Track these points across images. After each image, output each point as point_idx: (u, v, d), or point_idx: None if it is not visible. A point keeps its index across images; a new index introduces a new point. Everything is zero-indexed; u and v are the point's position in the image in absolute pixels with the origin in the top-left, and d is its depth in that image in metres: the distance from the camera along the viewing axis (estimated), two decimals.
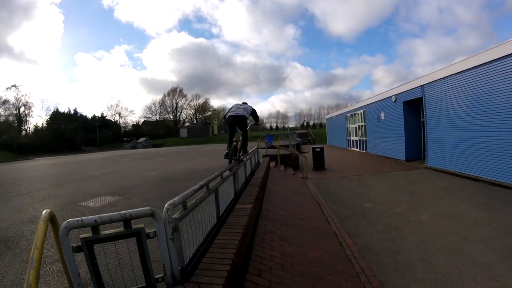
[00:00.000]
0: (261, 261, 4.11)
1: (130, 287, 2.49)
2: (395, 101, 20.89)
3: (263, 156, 14.82)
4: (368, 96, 27.09)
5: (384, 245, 6.29)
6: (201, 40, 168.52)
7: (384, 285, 4.76)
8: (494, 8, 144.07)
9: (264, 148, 18.05)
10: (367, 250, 5.99)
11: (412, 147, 19.90)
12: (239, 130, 8.57)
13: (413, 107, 19.62)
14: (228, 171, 5.77)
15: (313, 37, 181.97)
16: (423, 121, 17.79)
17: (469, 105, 13.27)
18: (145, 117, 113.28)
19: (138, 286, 2.51)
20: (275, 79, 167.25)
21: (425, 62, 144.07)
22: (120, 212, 2.32)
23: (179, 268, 2.72)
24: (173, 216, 2.74)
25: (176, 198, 2.86)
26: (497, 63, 11.38)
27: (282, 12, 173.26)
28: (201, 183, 3.75)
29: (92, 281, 2.34)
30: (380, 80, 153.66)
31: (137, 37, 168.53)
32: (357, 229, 7.21)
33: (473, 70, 12.74)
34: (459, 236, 6.76)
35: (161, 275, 2.59)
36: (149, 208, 2.43)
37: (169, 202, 2.68)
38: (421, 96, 17.39)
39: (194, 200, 3.46)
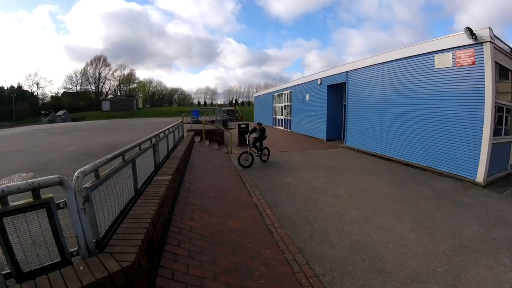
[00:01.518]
0: (180, 232, 4.10)
1: (45, 263, 2.35)
2: (320, 84, 21.63)
3: (188, 130, 14.59)
4: (298, 78, 27.69)
5: (302, 215, 6.55)
6: (133, 5, 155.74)
7: (302, 251, 4.97)
8: (431, 11, 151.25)
9: (190, 123, 17.81)
10: (286, 220, 6.20)
11: (333, 128, 20.95)
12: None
13: (336, 91, 20.56)
14: (149, 141, 5.66)
15: (252, 14, 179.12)
16: (345, 105, 18.67)
17: (387, 93, 14.42)
18: (65, 88, 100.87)
19: (53, 262, 2.37)
20: (208, 54, 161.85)
21: (357, 52, 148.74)
22: (28, 180, 2.17)
23: (94, 240, 2.60)
24: (84, 186, 2.60)
25: (87, 166, 2.71)
26: (416, 58, 12.57)
27: None
28: (116, 152, 3.60)
29: (6, 259, 2.17)
30: (311, 64, 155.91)
31: None
32: (277, 201, 7.42)
33: (394, 63, 13.87)
34: (372, 208, 7.24)
35: (76, 249, 2.48)
36: (57, 176, 2.29)
37: (79, 170, 2.53)
38: (345, 81, 18.20)
39: (108, 170, 3.34)
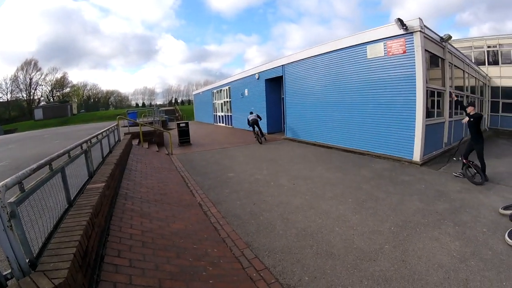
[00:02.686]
0: (120, 241, 3.92)
1: None
2: (258, 79, 21.96)
3: (125, 134, 14.10)
4: (236, 74, 27.74)
5: (246, 209, 6.55)
6: (66, 1, 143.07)
7: (250, 245, 4.95)
8: (369, 5, 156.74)
9: (126, 126, 17.25)
10: (231, 216, 6.17)
11: (273, 121, 21.42)
12: (256, 128, 17.41)
13: (274, 84, 20.99)
14: (80, 148, 5.37)
15: (192, 9, 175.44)
16: (283, 98, 18.99)
17: (323, 84, 14.92)
18: None
19: None
20: (145, 51, 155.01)
21: (296, 46, 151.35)
22: None
23: (28, 260, 2.42)
24: (8, 201, 2.41)
25: (8, 179, 2.51)
26: (349, 50, 13.10)
27: None
28: (41, 162, 3.36)
29: None
30: (252, 59, 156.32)
31: None
32: (221, 197, 7.38)
33: (329, 54, 14.39)
34: (315, 195, 7.41)
35: (9, 271, 2.30)
36: None
37: (0, 184, 2.33)
38: (282, 75, 18.58)
39: (34, 182, 3.10)
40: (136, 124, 17.02)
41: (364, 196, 7.24)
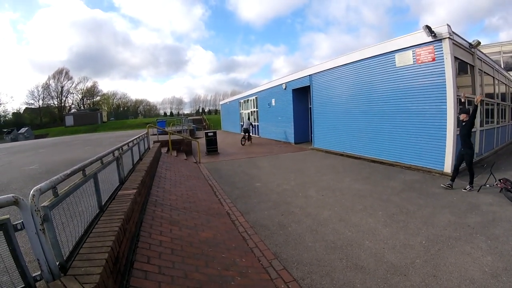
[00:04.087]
0: (149, 248, 3.94)
1: None
2: (285, 89, 21.87)
3: (154, 142, 14.28)
4: (263, 84, 27.94)
5: (275, 219, 6.47)
6: (97, 12, 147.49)
7: (278, 256, 4.87)
8: (397, 13, 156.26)
9: (155, 134, 17.48)
10: (259, 226, 6.10)
11: (300, 131, 21.18)
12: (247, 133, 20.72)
13: (301, 94, 20.84)
14: (112, 155, 5.45)
15: (221, 20, 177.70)
16: (310, 107, 18.93)
17: (350, 93, 14.74)
18: (27, 104, 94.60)
19: None
20: (175, 62, 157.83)
21: (323, 55, 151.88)
22: None
23: (58, 263, 2.44)
24: (42, 205, 2.42)
25: (43, 184, 2.52)
26: (377, 58, 12.92)
27: None
28: (75, 167, 3.41)
29: None
30: (279, 69, 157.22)
31: (23, 3, 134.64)
32: (249, 207, 7.32)
33: (356, 63, 14.26)
34: (344, 206, 7.27)
35: (39, 273, 2.30)
36: (11, 195, 2.11)
37: (34, 188, 2.35)
38: (309, 84, 18.45)
39: (67, 187, 3.15)
40: (165, 133, 17.31)
41: (394, 209, 7.09)
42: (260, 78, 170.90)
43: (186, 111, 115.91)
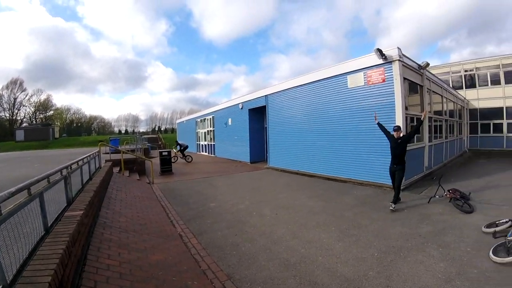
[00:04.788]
0: (97, 272, 3.80)
1: None
2: (241, 108, 22.17)
3: (106, 161, 13.88)
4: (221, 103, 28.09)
5: (228, 240, 6.40)
6: (59, 20, 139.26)
7: (231, 277, 4.82)
8: (355, 36, 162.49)
9: (108, 153, 17.00)
10: (212, 247, 6.01)
11: (256, 150, 21.46)
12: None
13: (258, 114, 21.16)
14: (59, 173, 5.26)
15: (184, 37, 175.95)
16: (266, 127, 19.17)
17: (305, 113, 15.13)
18: None
19: None
20: (134, 78, 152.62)
21: (283, 76, 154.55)
22: None
23: (1, 286, 2.34)
24: None
25: None
26: (331, 80, 13.49)
27: (159, 2, 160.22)
28: (20, 185, 3.30)
29: None
30: (239, 89, 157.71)
31: None
32: (202, 228, 7.20)
33: (311, 85, 14.74)
34: (298, 224, 7.34)
35: None
36: None
37: None
38: (265, 104, 18.74)
39: (12, 206, 3.02)
40: (118, 151, 16.81)
41: (347, 224, 7.23)
42: (219, 97, 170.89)
43: (142, 129, 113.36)
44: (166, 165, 17.30)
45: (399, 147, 8.46)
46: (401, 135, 8.57)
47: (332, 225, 7.20)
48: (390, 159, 9.73)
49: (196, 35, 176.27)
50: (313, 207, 8.86)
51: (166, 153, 17.68)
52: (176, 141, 25.42)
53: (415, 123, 12.18)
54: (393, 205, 8.31)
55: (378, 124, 9.04)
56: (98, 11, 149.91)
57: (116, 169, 13.71)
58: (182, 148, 24.64)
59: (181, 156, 24.10)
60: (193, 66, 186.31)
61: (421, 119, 8.84)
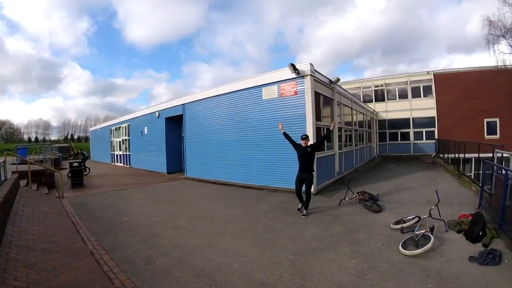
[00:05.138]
0: None
1: None
2: (158, 117, 21.86)
3: (13, 172, 12.93)
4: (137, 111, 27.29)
5: (142, 254, 6.32)
6: None
7: None
8: (278, 50, 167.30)
9: (15, 164, 15.89)
10: (125, 263, 5.89)
11: (173, 160, 21.29)
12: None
13: (175, 123, 21.02)
14: None
15: (106, 38, 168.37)
16: (183, 136, 19.12)
17: (222, 123, 15.47)
18: None
19: None
20: (48, 79, 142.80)
21: (205, 85, 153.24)
22: None
23: None
24: None
25: None
26: (247, 91, 13.93)
27: None
28: None
29: None
30: (159, 96, 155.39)
31: None
32: (115, 244, 7.00)
33: (228, 95, 15.11)
34: (214, 233, 7.47)
35: None
36: None
37: None
38: (182, 113, 18.71)
39: None
40: (25, 162, 15.75)
41: (262, 230, 7.52)
42: (138, 104, 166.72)
43: (54, 137, 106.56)
44: (77, 177, 16.22)
45: (308, 156, 8.69)
46: (309, 143, 8.86)
47: (248, 231, 7.43)
48: None
49: (118, 37, 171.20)
50: (229, 216, 9.05)
51: (76, 164, 16.61)
52: (81, 150, 22.27)
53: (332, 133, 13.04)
54: (305, 211, 8.70)
55: (284, 134, 9.18)
56: (19, 1, 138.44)
57: (23, 182, 12.83)
58: (84, 158, 21.46)
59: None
60: (112, 70, 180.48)
61: (330, 129, 9.12)
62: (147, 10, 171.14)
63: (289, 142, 8.98)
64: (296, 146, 8.93)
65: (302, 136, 8.89)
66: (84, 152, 21.77)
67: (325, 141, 12.59)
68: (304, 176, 8.75)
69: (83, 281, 4.93)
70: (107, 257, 6.19)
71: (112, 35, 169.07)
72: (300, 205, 9.00)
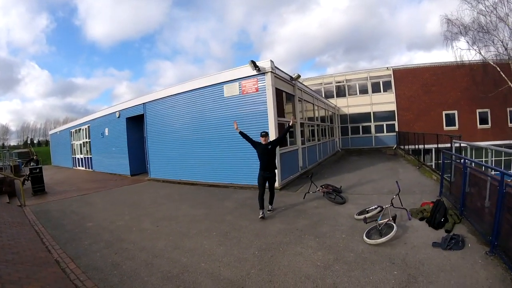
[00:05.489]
0: None
1: None
2: (119, 117, 21.47)
3: None
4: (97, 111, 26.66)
5: (108, 260, 6.29)
6: None
7: None
8: (242, 48, 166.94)
9: None
10: (91, 270, 5.85)
11: (136, 162, 21.05)
12: None
13: (136, 123, 20.72)
14: None
15: (65, 35, 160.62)
16: (145, 137, 18.89)
17: (184, 122, 15.45)
18: None
19: None
20: (5, 80, 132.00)
21: (168, 83, 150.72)
22: None
23: None
24: None
25: None
26: (208, 89, 13.96)
27: None
28: None
29: None
30: (121, 95, 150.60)
31: None
32: (80, 251, 6.92)
33: (188, 93, 15.08)
34: (180, 234, 7.52)
35: None
36: None
37: None
38: (143, 113, 18.51)
39: None
40: None
41: (227, 227, 7.63)
42: (99, 104, 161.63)
43: (13, 142, 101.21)
44: (39, 184, 15.85)
45: (269, 153, 8.41)
46: (269, 140, 8.61)
47: (214, 230, 7.53)
48: None
49: (78, 33, 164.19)
50: (195, 215, 9.12)
51: (37, 170, 16.14)
52: (35, 155, 20.65)
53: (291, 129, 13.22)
54: (270, 207, 8.80)
55: (240, 132, 8.79)
56: None
57: None
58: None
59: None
60: (71, 69, 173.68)
61: (289, 124, 9.10)
62: (109, 5, 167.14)
63: (247, 140, 8.82)
64: (254, 144, 8.65)
65: (261, 133, 8.67)
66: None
67: (286, 137, 12.70)
68: (268, 174, 8.52)
69: None
70: (73, 265, 6.13)
71: (71, 32, 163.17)
72: (261, 212, 8.24)
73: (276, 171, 8.83)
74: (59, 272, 5.88)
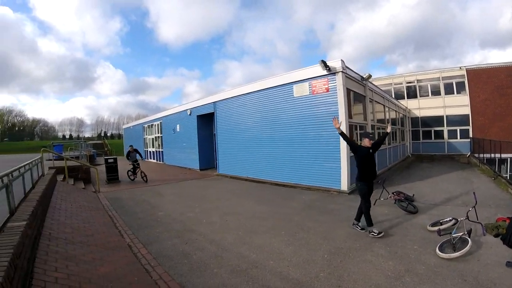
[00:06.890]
0: (45, 286, 3.68)
1: None
2: (190, 115, 21.96)
3: (50, 168, 13.27)
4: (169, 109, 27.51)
5: (179, 248, 6.34)
6: (6, 9, 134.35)
7: (184, 286, 4.78)
8: (309, 47, 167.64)
9: (51, 159, 16.24)
10: (162, 257, 5.93)
11: (205, 157, 21.34)
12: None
13: (206, 120, 21.09)
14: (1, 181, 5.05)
15: (138, 37, 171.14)
16: (215, 134, 19.15)
17: (253, 120, 15.42)
18: None
19: None
20: (82, 79, 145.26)
21: (236, 82, 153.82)
22: None
23: None
24: None
25: None
26: (278, 89, 13.82)
27: None
28: None
29: None
30: (191, 94, 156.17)
31: None
32: (151, 238, 7.07)
33: (258, 93, 15.03)
34: (248, 230, 7.42)
35: None
36: None
37: None
38: (213, 111, 18.75)
39: None
40: (62, 158, 16.11)
41: (295, 228, 7.42)
42: (170, 102, 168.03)
43: (87, 134, 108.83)
44: (112, 173, 16.73)
45: (372, 158, 7.16)
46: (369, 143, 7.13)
47: (281, 229, 7.35)
48: (335, 165, 9.96)
49: (150, 36, 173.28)
50: (262, 213, 9.01)
51: (112, 160, 17.07)
52: (131, 147, 17.69)
53: (358, 131, 12.75)
54: (356, 222, 7.33)
55: (341, 133, 7.24)
56: (50, 2, 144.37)
57: (60, 177, 13.14)
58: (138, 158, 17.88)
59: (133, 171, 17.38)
60: (144, 69, 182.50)
61: (387, 131, 7.99)
62: (179, 7, 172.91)
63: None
64: (355, 147, 7.22)
65: (368, 134, 7.53)
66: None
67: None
68: (371, 184, 7.27)
69: (122, 273, 4.97)
70: (144, 251, 6.26)
71: (144, 34, 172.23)
72: (376, 230, 6.70)
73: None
74: (130, 256, 6.00)
